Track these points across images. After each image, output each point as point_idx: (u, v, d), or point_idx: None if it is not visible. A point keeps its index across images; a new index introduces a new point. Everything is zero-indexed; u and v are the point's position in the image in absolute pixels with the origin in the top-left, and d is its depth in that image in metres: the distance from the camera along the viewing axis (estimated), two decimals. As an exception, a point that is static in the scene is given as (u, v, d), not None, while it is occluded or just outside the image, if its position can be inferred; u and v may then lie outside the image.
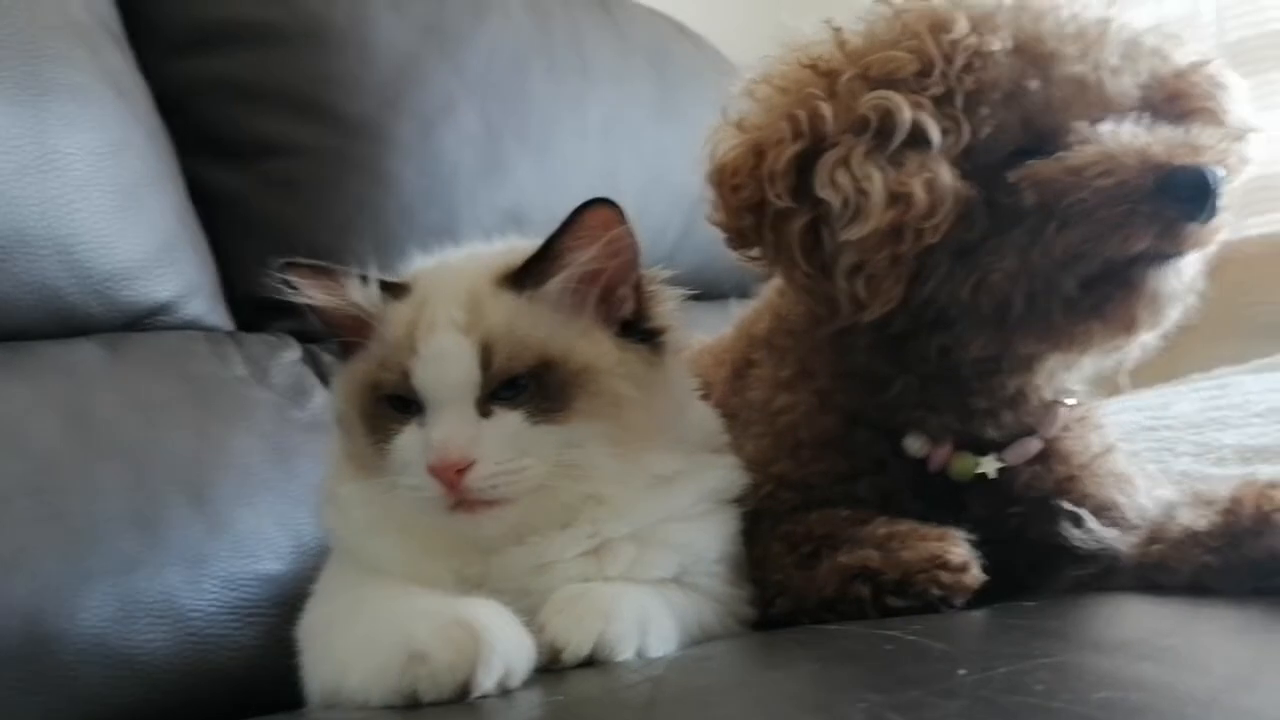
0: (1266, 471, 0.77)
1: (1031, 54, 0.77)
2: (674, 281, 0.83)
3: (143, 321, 1.15)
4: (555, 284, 0.78)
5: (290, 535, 1.03)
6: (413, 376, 0.75)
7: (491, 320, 0.76)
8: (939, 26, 0.78)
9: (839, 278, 0.77)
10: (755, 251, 0.84)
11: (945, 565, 0.76)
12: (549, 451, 0.75)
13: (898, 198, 0.75)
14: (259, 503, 1.03)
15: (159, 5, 1.29)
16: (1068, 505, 0.83)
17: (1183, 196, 0.72)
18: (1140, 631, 0.73)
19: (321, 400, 1.20)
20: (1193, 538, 0.75)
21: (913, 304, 0.78)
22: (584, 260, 0.77)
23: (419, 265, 0.86)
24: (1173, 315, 0.79)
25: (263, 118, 1.29)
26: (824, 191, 0.76)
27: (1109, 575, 0.80)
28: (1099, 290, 0.76)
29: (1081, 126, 0.76)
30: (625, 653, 0.71)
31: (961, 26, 0.77)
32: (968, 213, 0.76)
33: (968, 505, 0.85)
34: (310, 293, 0.79)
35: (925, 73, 0.77)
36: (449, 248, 0.88)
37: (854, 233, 0.75)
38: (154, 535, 0.95)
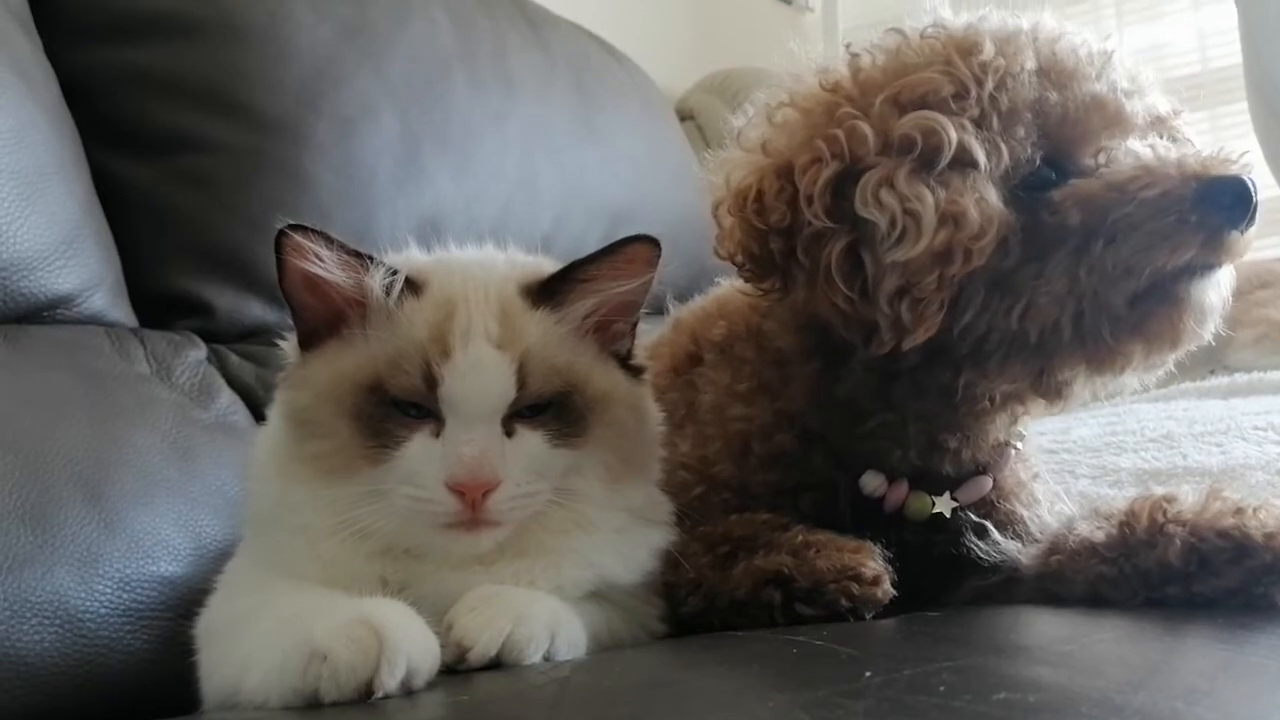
0: (1161, 491, 0.79)
1: (1053, 72, 0.77)
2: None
3: (41, 314, 1.10)
4: (581, 307, 0.77)
5: (189, 537, 0.99)
6: (442, 385, 0.72)
7: (528, 338, 0.74)
8: (967, 49, 0.77)
9: (881, 302, 0.75)
10: (769, 283, 0.81)
11: (858, 577, 0.77)
12: (555, 476, 0.75)
13: (949, 217, 0.73)
14: (157, 503, 0.99)
15: (70, -9, 1.25)
16: (974, 517, 0.85)
17: (1225, 204, 0.73)
18: (1039, 638, 0.75)
19: (227, 401, 1.17)
20: (1090, 549, 0.78)
21: (948, 336, 0.76)
22: (619, 291, 0.77)
23: (419, 260, 0.81)
24: (1211, 330, 0.79)
25: (176, 112, 1.26)
26: (867, 211, 0.74)
27: (1010, 585, 0.83)
28: (1142, 307, 0.75)
29: (1108, 144, 0.77)
30: (533, 655, 0.70)
31: (989, 49, 0.77)
32: (1004, 240, 0.74)
33: (903, 529, 0.85)
34: (319, 262, 0.73)
35: (961, 95, 0.75)
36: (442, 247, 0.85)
37: (902, 254, 0.73)
38: (45, 532, 0.90)
